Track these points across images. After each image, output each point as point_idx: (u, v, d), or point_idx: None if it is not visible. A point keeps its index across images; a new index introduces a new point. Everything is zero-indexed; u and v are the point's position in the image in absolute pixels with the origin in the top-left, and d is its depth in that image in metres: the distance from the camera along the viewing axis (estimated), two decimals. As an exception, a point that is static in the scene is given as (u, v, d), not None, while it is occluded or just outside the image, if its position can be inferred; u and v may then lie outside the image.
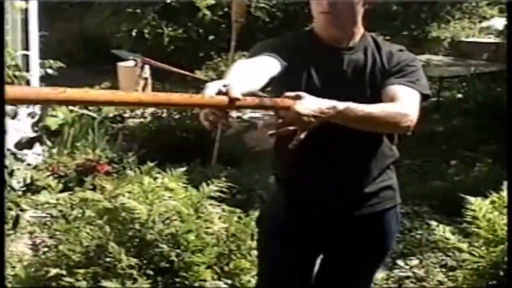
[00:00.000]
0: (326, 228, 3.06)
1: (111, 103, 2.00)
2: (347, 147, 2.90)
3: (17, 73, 3.57)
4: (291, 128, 2.50)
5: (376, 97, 2.81)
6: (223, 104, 2.27)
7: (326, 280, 3.21)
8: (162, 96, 2.18)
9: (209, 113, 2.37)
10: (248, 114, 9.79)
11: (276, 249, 3.11)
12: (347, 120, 2.63)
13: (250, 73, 2.56)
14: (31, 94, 1.75)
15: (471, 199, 4.15)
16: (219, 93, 2.27)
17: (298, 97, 2.50)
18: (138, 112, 9.44)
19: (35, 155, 5.87)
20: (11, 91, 1.66)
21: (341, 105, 2.57)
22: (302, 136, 2.51)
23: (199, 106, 2.43)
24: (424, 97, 2.87)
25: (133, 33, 11.02)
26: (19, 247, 5.08)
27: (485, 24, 13.38)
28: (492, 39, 12.46)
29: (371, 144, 2.97)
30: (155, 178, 4.55)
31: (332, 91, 2.66)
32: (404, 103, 2.75)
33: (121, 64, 10.04)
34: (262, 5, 11.05)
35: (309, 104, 2.50)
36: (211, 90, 2.28)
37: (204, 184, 4.49)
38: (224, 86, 2.29)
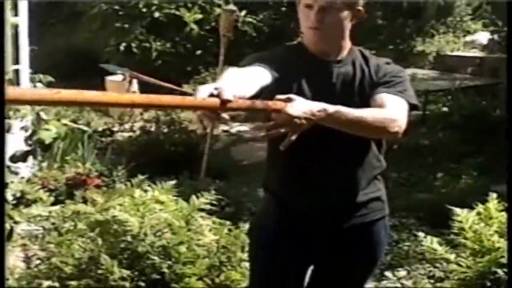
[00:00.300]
0: (316, 236, 3.09)
1: (105, 104, 2.03)
2: (337, 151, 2.94)
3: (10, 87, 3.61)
4: (282, 130, 2.53)
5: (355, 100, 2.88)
6: (215, 106, 2.30)
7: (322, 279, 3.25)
8: (154, 98, 2.21)
9: (202, 115, 2.39)
10: (235, 128, 9.83)
11: (267, 259, 3.13)
12: (337, 123, 2.67)
13: (241, 80, 2.57)
14: (28, 94, 1.79)
15: (458, 210, 4.19)
16: (211, 95, 2.31)
17: (289, 100, 2.53)
18: (127, 126, 9.45)
19: (28, 168, 5.88)
20: (10, 92, 1.71)
21: (331, 108, 2.60)
22: (293, 137, 2.53)
23: (191, 108, 2.46)
24: (412, 107, 2.92)
25: (121, 47, 11.03)
26: (11, 260, 5.10)
27: (469, 38, 13.46)
28: (476, 53, 12.54)
29: (359, 150, 3.01)
30: (145, 191, 4.57)
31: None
32: (392, 109, 2.79)
33: (109, 78, 10.06)
34: (250, 20, 11.10)
35: (300, 107, 2.53)
36: (203, 93, 2.30)
37: (193, 197, 4.51)
38: (216, 89, 2.32)
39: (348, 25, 2.97)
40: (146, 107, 2.34)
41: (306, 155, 2.93)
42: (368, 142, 3.00)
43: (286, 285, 3.16)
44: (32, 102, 1.80)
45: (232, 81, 2.50)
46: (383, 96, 2.86)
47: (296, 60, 2.98)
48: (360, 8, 2.97)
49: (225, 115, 2.39)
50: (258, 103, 2.53)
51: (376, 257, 3.24)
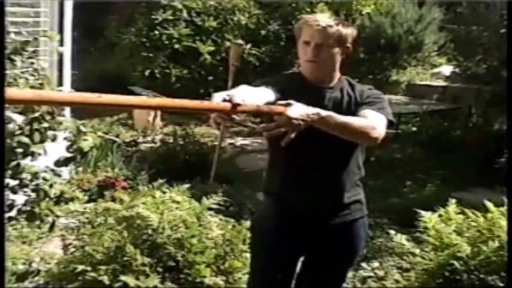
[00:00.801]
0: (310, 235, 3.12)
1: (138, 106, 2.06)
2: (330, 155, 3.00)
3: (57, 105, 3.65)
4: (282, 129, 2.56)
5: None
6: (227, 109, 2.35)
7: (309, 278, 3.26)
8: (178, 102, 2.25)
9: (216, 117, 2.46)
10: (240, 142, 9.86)
11: (269, 258, 3.17)
12: (328, 126, 2.71)
13: (250, 93, 2.62)
14: (78, 97, 1.82)
15: (423, 213, 4.21)
16: (224, 100, 2.36)
17: (288, 104, 2.58)
18: (149, 138, 9.46)
19: (67, 171, 5.89)
20: (64, 95, 1.70)
21: (324, 113, 2.66)
22: (292, 136, 2.58)
23: (207, 111, 2.51)
24: (389, 123, 2.97)
25: (146, 73, 11.02)
26: (51, 247, 5.12)
27: (435, 70, 13.48)
28: (440, 83, 12.55)
29: (346, 157, 3.07)
30: (164, 192, 4.58)
31: None
32: (372, 120, 2.85)
33: (135, 98, 10.08)
34: (254, 52, 11.13)
35: (298, 110, 2.58)
36: (217, 98, 2.36)
37: (204, 198, 4.52)
38: (228, 95, 2.37)
39: (338, 58, 3.04)
40: (172, 109, 2.37)
41: (304, 156, 2.99)
42: (353, 151, 3.06)
43: (285, 276, 3.19)
44: (81, 104, 1.83)
45: (242, 92, 2.55)
46: (366, 111, 2.93)
47: (295, 85, 3.03)
48: (349, 45, 3.02)
49: (235, 116, 2.43)
50: (263, 107, 2.58)
51: (357, 250, 3.28)
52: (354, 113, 2.96)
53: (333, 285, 3.34)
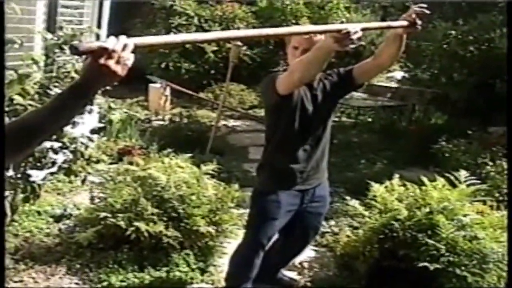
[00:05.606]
0: (304, 195, 3.22)
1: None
2: (321, 139, 3.12)
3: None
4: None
5: (329, 100, 3.14)
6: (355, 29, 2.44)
7: (298, 224, 3.34)
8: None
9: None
10: (231, 123, 9.87)
11: (273, 213, 3.20)
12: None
13: None
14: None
15: (373, 184, 4.27)
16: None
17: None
18: (160, 117, 9.46)
19: (96, 138, 5.88)
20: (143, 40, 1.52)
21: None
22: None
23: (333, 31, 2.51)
24: None
25: (162, 65, 11.02)
26: (80, 198, 5.16)
27: (389, 74, 13.50)
28: (393, 84, 12.57)
29: (327, 140, 3.20)
30: (171, 159, 4.63)
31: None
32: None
33: (151, 85, 10.05)
34: (248, 52, 11.15)
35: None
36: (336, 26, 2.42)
37: (202, 165, 4.57)
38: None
39: None
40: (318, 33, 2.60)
41: (309, 138, 3.10)
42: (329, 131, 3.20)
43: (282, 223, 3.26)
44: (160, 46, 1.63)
45: None
46: (353, 68, 3.21)
47: None
48: None
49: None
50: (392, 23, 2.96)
51: (328, 202, 3.52)
52: (328, 91, 3.11)
53: (317, 228, 3.51)
